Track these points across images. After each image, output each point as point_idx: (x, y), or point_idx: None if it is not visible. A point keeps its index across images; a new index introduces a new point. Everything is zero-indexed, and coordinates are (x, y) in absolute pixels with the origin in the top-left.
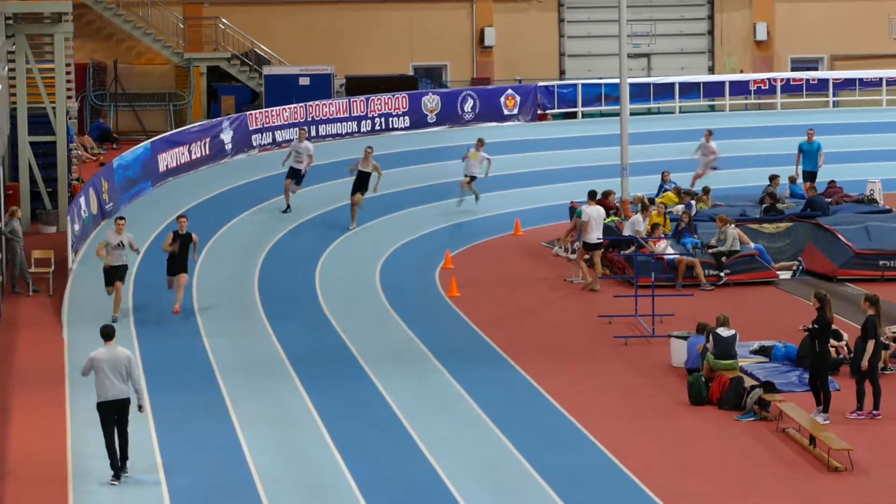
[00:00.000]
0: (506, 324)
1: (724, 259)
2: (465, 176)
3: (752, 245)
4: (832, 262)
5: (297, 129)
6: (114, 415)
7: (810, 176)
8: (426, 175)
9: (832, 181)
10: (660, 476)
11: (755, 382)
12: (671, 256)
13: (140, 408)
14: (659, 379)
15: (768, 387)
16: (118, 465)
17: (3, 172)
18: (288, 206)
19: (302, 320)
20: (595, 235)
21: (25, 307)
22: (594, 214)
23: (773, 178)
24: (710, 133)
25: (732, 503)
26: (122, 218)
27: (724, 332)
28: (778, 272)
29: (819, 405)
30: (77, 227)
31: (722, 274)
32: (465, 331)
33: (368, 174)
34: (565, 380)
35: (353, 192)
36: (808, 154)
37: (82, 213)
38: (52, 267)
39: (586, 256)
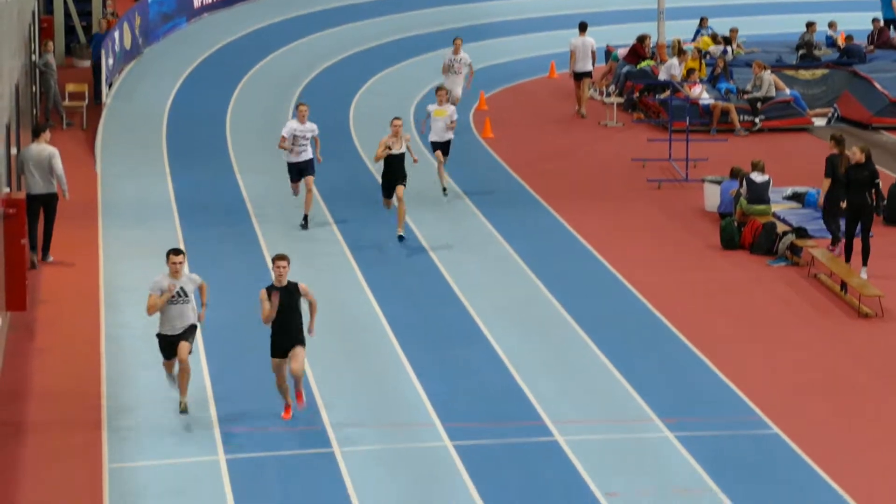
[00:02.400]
0: (539, 166)
1: (759, 105)
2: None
3: (788, 91)
4: (867, 110)
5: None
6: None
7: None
8: (463, 15)
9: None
10: (691, 320)
11: (788, 228)
12: (706, 101)
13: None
14: (691, 223)
15: (801, 232)
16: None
17: (37, 6)
18: (305, 218)
19: (336, 158)
20: (580, 65)
21: (59, 141)
22: (579, 45)
23: (809, 24)
24: None
25: (763, 347)
26: (178, 251)
27: (757, 177)
28: (813, 119)
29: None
30: (111, 62)
31: (757, 120)
32: (498, 172)
33: (402, 157)
34: (598, 223)
35: (386, 189)
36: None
37: (116, 47)
38: (86, 101)
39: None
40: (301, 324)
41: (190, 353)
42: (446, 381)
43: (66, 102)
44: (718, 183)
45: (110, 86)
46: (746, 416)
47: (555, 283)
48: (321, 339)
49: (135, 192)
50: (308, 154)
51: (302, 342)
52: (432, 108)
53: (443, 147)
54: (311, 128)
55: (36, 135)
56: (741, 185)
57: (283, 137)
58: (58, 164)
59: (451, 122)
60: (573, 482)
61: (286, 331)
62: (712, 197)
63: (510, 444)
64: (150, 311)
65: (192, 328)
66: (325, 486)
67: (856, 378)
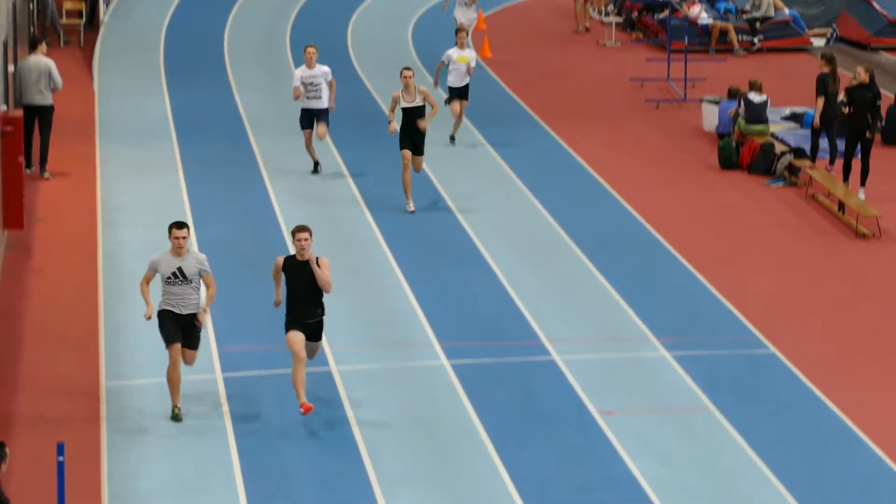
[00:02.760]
0: (538, 86)
1: (758, 25)
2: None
3: (787, 11)
4: (866, 30)
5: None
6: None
7: None
8: None
9: None
10: (688, 240)
11: (786, 148)
12: (705, 21)
13: None
14: (690, 143)
15: (799, 153)
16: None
17: None
18: (316, 164)
19: (333, 76)
20: None
21: (55, 59)
22: None
23: None
24: None
25: (760, 267)
26: (182, 225)
27: (755, 97)
28: (811, 39)
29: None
30: None
31: (755, 40)
32: (496, 91)
33: (420, 109)
34: (596, 143)
35: (403, 146)
36: None
37: None
38: (84, 19)
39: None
40: (321, 305)
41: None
42: (444, 301)
43: (64, 20)
44: (717, 103)
45: (107, 4)
46: (743, 336)
47: (552, 203)
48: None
49: (132, 111)
50: (322, 101)
51: (320, 335)
52: (453, 53)
53: (461, 92)
54: (322, 71)
55: (33, 47)
56: (739, 105)
57: (295, 87)
58: (56, 74)
59: (471, 67)
60: (569, 401)
61: (305, 309)
62: (710, 117)
63: (507, 363)
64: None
65: (197, 338)
66: (323, 405)
67: (852, 298)
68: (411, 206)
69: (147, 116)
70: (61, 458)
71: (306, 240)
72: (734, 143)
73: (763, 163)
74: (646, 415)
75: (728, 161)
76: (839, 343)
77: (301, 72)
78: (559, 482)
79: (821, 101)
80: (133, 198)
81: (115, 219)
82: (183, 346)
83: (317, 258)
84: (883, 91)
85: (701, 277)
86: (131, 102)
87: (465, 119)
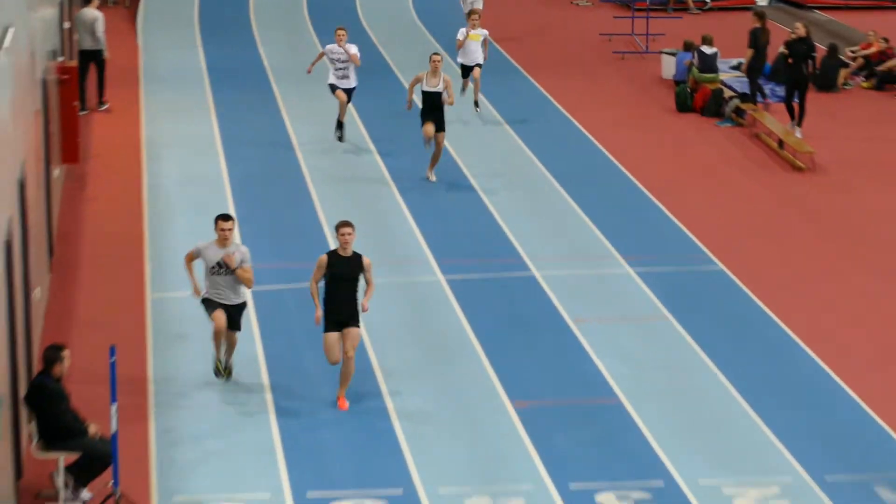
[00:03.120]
0: (519, 40)
1: None
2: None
3: None
4: None
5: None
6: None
7: None
8: None
9: None
10: (649, 172)
11: (733, 94)
12: None
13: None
14: (650, 89)
15: (745, 97)
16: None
17: None
18: (340, 125)
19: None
20: None
21: (105, 16)
22: None
23: None
24: None
25: (711, 195)
26: (228, 217)
27: (707, 49)
28: None
29: (793, 119)
30: None
31: (708, 0)
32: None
33: (439, 94)
34: (572, 90)
35: (424, 123)
36: None
37: None
38: None
39: None
40: (356, 300)
41: (239, 329)
42: (439, 224)
43: None
44: (674, 55)
45: None
46: (695, 255)
47: (533, 141)
48: (331, 188)
49: (171, 61)
50: (350, 81)
51: (357, 321)
52: (465, 31)
53: (472, 67)
54: (351, 48)
55: (86, 1)
56: (693, 56)
57: (321, 53)
58: (99, 27)
59: (485, 42)
60: (548, 310)
61: (342, 303)
62: (668, 67)
63: (494, 278)
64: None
65: (241, 307)
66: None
67: (790, 223)
68: (432, 176)
69: (184, 66)
70: (113, 359)
71: (349, 234)
72: (689, 90)
73: (713, 106)
74: (613, 323)
75: (683, 105)
76: (778, 260)
77: (330, 47)
78: (538, 379)
79: (750, 52)
80: (172, 135)
81: (157, 154)
82: (230, 329)
83: (360, 256)
84: (816, 44)
85: (659, 203)
86: (170, 54)
87: (453, 63)
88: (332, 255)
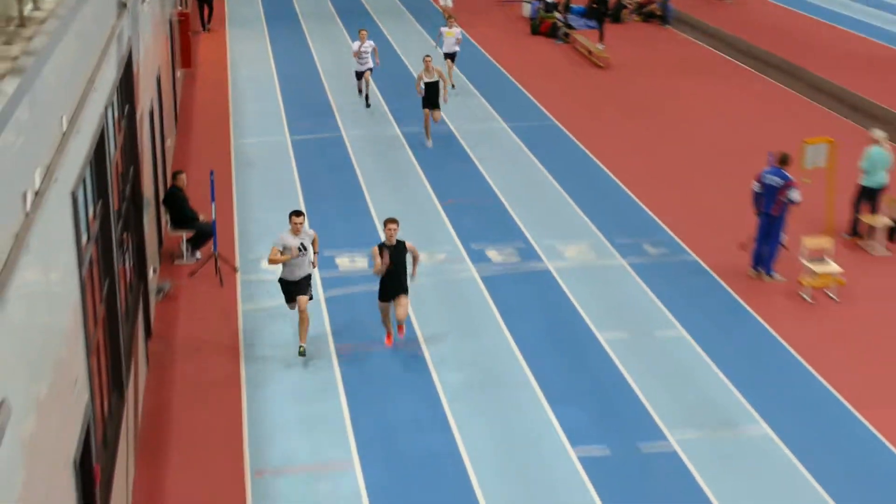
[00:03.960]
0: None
1: None
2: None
3: None
4: None
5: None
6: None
7: None
8: None
9: None
10: (516, 68)
11: (563, 24)
12: None
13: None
14: (517, 22)
15: (569, 26)
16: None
17: None
18: (365, 97)
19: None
20: None
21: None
22: None
23: None
24: None
25: (550, 83)
26: (299, 213)
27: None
28: None
29: (600, 40)
30: None
31: None
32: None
33: (436, 83)
34: (476, 24)
35: (425, 106)
36: None
37: None
38: None
39: None
40: (406, 276)
41: (311, 299)
42: (443, 173)
43: None
44: (530, 3)
45: None
46: (543, 119)
47: (474, 80)
48: (362, 147)
49: (244, 11)
50: (369, 63)
51: (406, 291)
52: (444, 29)
53: (451, 56)
54: (370, 44)
55: None
56: (541, 3)
57: (354, 52)
58: None
59: (458, 39)
60: (513, 229)
61: (393, 280)
62: (527, 9)
63: (475, 204)
64: (271, 263)
65: (309, 278)
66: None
67: (598, 103)
68: (430, 143)
69: (250, 12)
70: (212, 178)
71: (395, 229)
72: (538, 22)
73: (552, 32)
74: (554, 236)
75: (535, 30)
76: (589, 116)
77: (356, 45)
78: (546, 339)
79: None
80: (243, 52)
81: (236, 63)
82: (300, 294)
83: (403, 242)
84: None
85: (519, 85)
86: (243, 7)
87: (409, 14)
88: (381, 246)
